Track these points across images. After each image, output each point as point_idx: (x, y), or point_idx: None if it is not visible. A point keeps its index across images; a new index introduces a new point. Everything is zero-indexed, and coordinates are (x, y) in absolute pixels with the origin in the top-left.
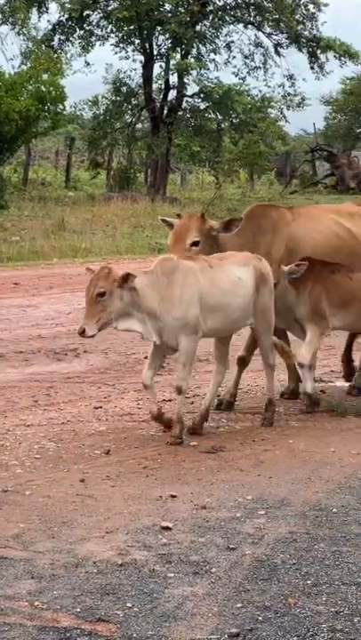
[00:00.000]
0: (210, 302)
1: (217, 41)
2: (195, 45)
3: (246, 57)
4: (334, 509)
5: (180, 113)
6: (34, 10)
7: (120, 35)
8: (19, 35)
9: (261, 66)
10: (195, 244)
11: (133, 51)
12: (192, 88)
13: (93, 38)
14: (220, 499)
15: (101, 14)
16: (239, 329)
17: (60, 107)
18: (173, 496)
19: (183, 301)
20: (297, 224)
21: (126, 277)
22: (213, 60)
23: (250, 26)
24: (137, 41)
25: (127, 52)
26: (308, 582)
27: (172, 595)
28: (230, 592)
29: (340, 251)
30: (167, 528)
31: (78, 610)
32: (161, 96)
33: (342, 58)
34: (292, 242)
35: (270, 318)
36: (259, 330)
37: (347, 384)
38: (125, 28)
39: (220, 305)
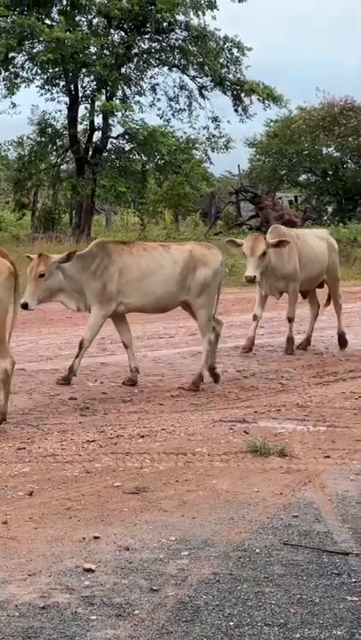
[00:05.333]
0: None
1: (142, 83)
2: (120, 87)
3: (171, 99)
4: (257, 550)
5: (105, 154)
6: None
7: (45, 77)
8: None
9: (186, 108)
10: None
11: (58, 92)
12: (117, 129)
13: (19, 80)
14: (144, 540)
15: (27, 57)
16: None
17: None
18: (96, 537)
19: None
20: None
21: None
22: (138, 101)
23: (175, 69)
24: (62, 83)
25: (52, 93)
26: (231, 623)
27: (95, 638)
28: (153, 634)
29: None
30: (90, 570)
31: None
32: (86, 137)
33: (266, 101)
34: None
35: None
36: None
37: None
38: (51, 70)
39: None
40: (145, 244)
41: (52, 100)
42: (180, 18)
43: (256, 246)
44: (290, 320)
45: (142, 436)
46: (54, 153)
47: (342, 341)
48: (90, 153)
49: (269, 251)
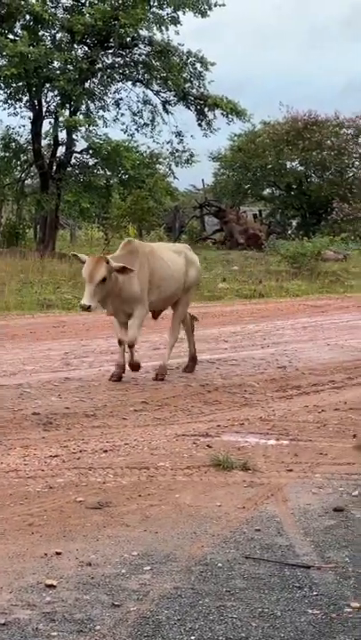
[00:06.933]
0: None
1: (106, 98)
2: (84, 102)
3: (135, 114)
4: (220, 564)
5: (69, 169)
6: None
7: (9, 91)
8: None
9: (150, 122)
10: None
11: (22, 107)
12: (81, 144)
13: None
14: (106, 555)
15: None
16: None
17: None
18: (58, 553)
19: None
20: None
21: None
22: (102, 116)
23: (138, 83)
24: (26, 97)
25: (16, 108)
26: (193, 638)
27: None
28: None
29: None
30: (52, 586)
31: None
32: (50, 152)
33: (229, 115)
34: None
35: None
36: None
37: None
38: (14, 85)
39: None
40: None
41: (16, 114)
42: (144, 33)
43: (95, 272)
44: (131, 346)
45: (105, 451)
46: (18, 168)
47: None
48: (54, 168)
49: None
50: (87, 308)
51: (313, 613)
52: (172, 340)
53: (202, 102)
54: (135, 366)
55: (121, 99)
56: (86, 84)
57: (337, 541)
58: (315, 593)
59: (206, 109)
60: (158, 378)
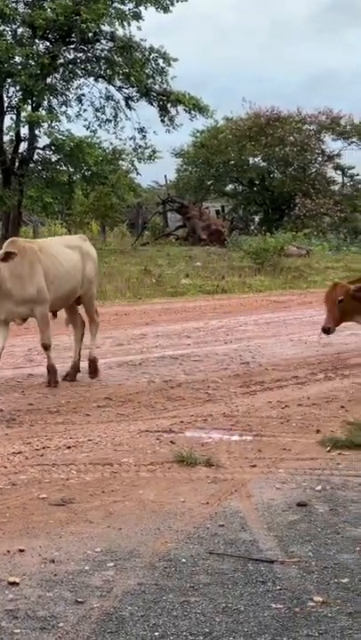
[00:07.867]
0: None
1: (68, 93)
2: (46, 98)
3: (97, 110)
4: (183, 560)
5: (31, 165)
6: None
7: None
8: None
9: (112, 119)
10: None
11: None
12: (43, 140)
13: None
14: (69, 552)
15: None
16: None
17: None
18: (21, 550)
19: None
20: None
21: None
22: (65, 112)
23: (100, 79)
24: None
25: None
26: (156, 634)
27: None
28: None
29: None
30: (14, 583)
31: None
32: (12, 148)
33: (192, 111)
34: None
35: None
36: None
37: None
38: None
39: None
40: None
41: None
42: (106, 28)
43: None
44: (45, 348)
45: (69, 447)
46: None
47: (93, 368)
48: (16, 164)
49: (2, 272)
50: None
51: (276, 608)
52: (95, 330)
53: (164, 98)
54: (50, 370)
55: (83, 94)
56: (48, 80)
57: (300, 536)
58: (278, 587)
59: (169, 105)
60: (90, 373)
